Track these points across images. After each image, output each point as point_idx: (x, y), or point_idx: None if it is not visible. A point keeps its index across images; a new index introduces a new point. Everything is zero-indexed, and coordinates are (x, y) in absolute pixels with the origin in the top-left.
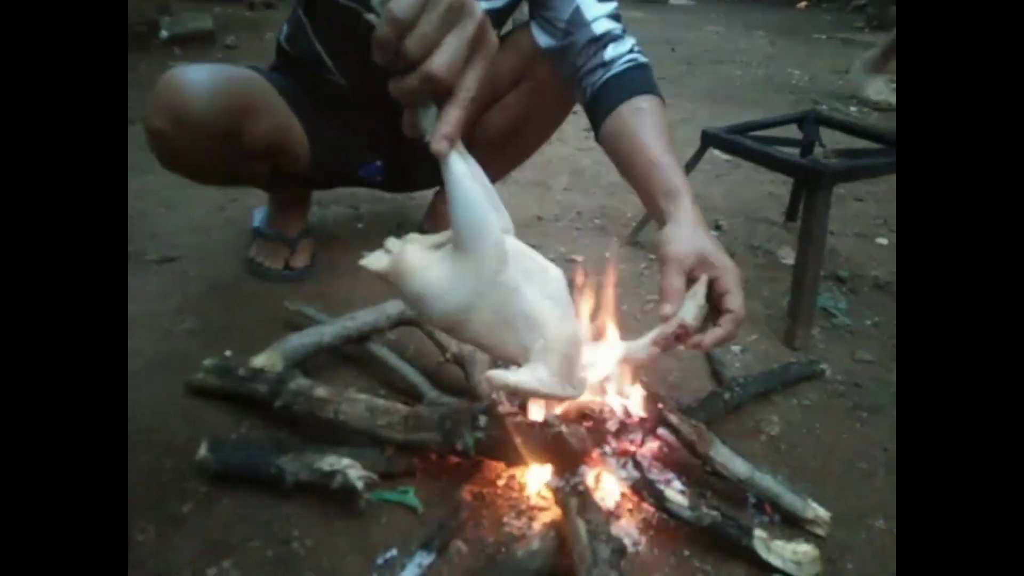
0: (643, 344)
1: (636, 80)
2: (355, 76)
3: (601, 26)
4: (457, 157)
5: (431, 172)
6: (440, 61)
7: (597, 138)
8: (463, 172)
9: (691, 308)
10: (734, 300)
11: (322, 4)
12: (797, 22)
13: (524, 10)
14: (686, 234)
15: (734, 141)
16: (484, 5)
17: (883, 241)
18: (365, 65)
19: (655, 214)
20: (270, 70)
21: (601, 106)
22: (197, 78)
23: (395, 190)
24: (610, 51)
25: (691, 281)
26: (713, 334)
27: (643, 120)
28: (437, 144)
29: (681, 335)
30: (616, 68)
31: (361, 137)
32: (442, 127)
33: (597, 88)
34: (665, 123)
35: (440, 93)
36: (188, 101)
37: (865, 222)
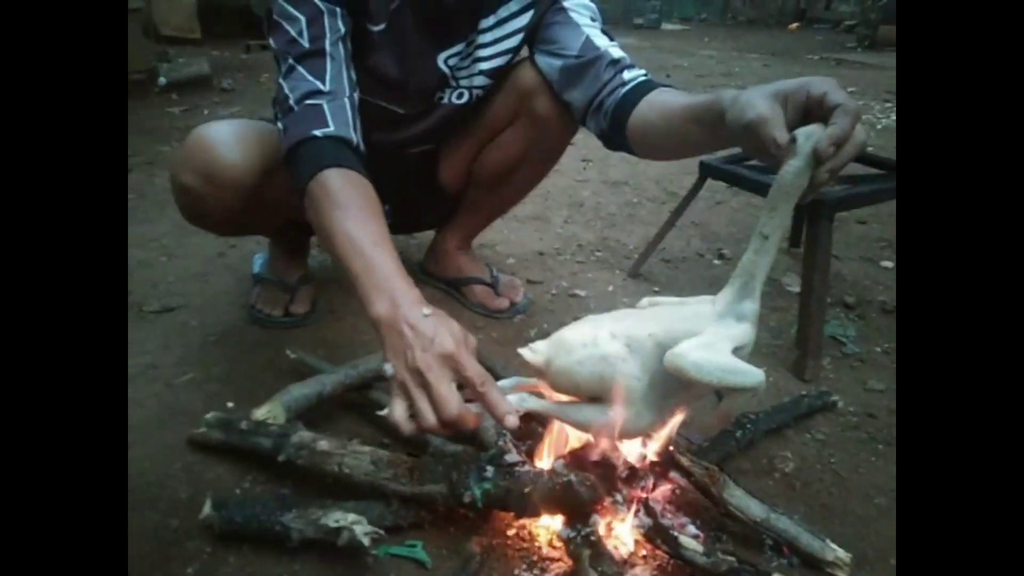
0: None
1: (652, 84)
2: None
3: (616, 52)
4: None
5: (435, 215)
6: (448, 417)
7: (628, 145)
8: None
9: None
10: (835, 96)
11: None
12: (789, 43)
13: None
14: (748, 98)
15: (732, 172)
16: (491, 63)
17: (888, 264)
18: (370, 122)
19: (720, 132)
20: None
21: (623, 112)
22: (227, 136)
23: (400, 232)
24: (628, 74)
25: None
26: (831, 132)
27: (667, 94)
28: (506, 424)
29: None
30: (632, 84)
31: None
32: (500, 415)
33: (617, 102)
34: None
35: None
36: (219, 159)
37: (869, 245)
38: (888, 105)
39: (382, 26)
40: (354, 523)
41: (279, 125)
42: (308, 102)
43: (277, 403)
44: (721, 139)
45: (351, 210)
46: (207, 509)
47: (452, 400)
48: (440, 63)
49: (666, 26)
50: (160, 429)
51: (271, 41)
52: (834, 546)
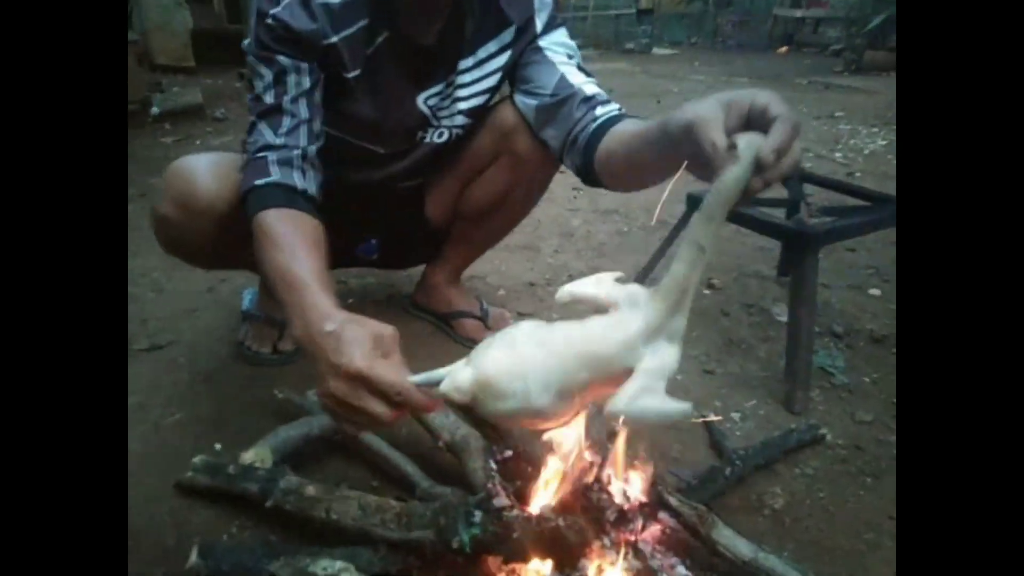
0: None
1: (619, 118)
2: (347, 170)
3: (590, 89)
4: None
5: (424, 250)
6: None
7: (598, 178)
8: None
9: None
10: (777, 108)
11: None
12: (778, 68)
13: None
14: (705, 100)
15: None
16: (470, 103)
17: (876, 292)
18: (353, 161)
19: (673, 148)
20: None
21: (590, 147)
22: (202, 167)
23: (389, 267)
24: (600, 110)
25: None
26: (772, 141)
27: (628, 124)
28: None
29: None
30: (604, 117)
31: (356, 218)
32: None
33: (589, 135)
34: None
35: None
36: (194, 188)
37: (857, 273)
38: (875, 130)
39: (357, 72)
40: (342, 570)
41: (239, 175)
42: (258, 155)
43: (265, 446)
44: (668, 157)
45: (282, 245)
46: (193, 557)
47: (378, 413)
48: (420, 104)
49: (657, 51)
50: (147, 472)
51: (247, 96)
52: None
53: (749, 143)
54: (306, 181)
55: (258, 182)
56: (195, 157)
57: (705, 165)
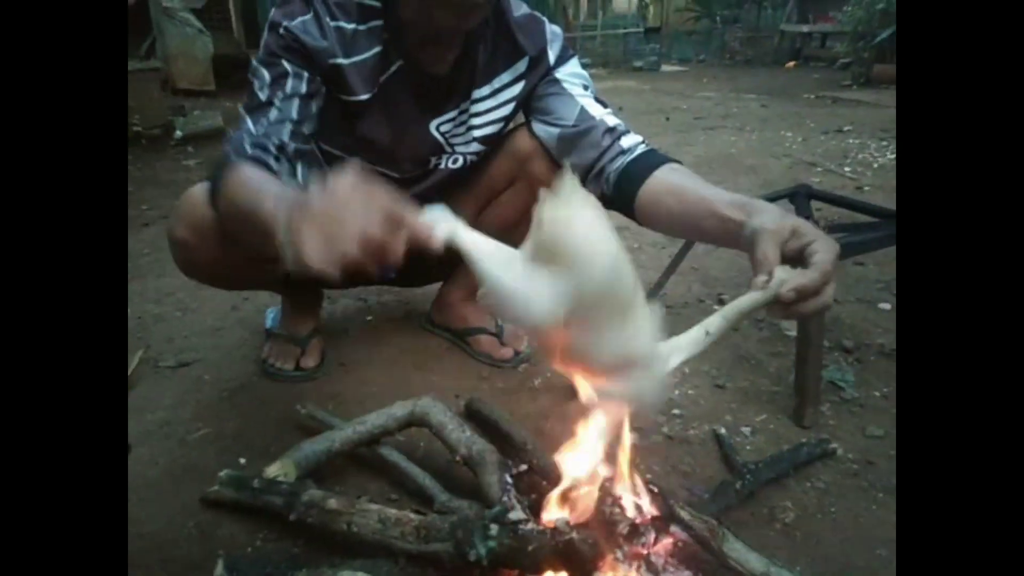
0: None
1: (658, 156)
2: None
3: (611, 120)
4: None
5: (441, 267)
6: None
7: (632, 214)
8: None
9: (781, 274)
10: (821, 256)
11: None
12: (786, 83)
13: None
14: (775, 213)
15: None
16: (484, 131)
17: (886, 306)
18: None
19: (732, 237)
20: None
21: (632, 182)
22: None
23: (407, 285)
24: (626, 141)
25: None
26: (798, 283)
27: (681, 176)
28: (434, 245)
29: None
30: (636, 152)
31: None
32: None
33: (621, 170)
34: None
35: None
36: (206, 213)
37: (866, 287)
38: (884, 143)
39: (368, 96)
40: None
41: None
42: (238, 135)
43: (288, 460)
44: (735, 240)
45: (252, 181)
46: (219, 570)
47: (371, 223)
48: (433, 130)
49: (665, 68)
50: (174, 487)
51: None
52: None
53: (779, 279)
54: (279, 166)
55: (233, 157)
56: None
57: None
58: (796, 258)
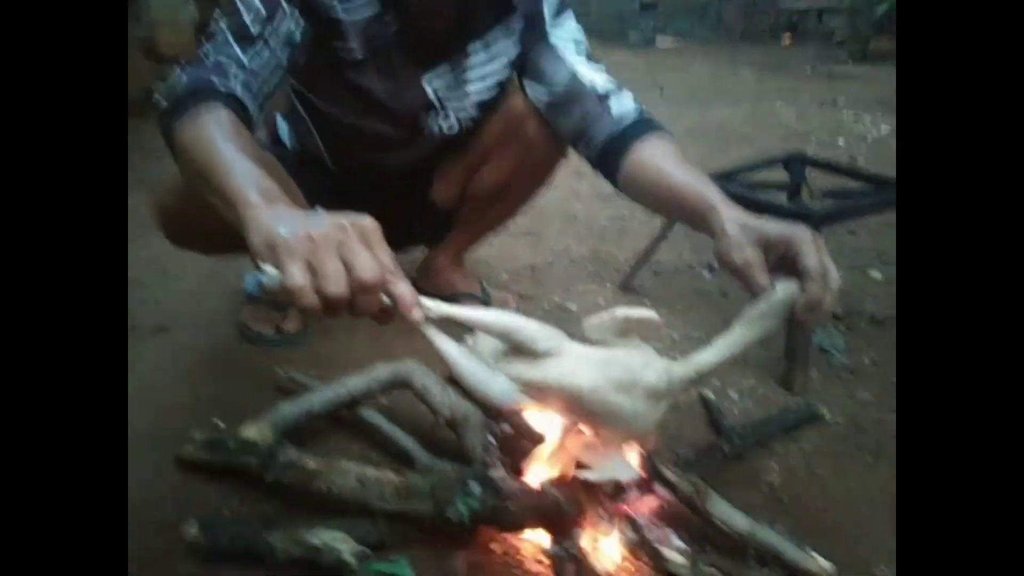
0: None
1: (644, 126)
2: (355, 156)
3: (602, 84)
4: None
5: (428, 232)
6: (360, 285)
7: (616, 185)
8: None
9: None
10: (807, 259)
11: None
12: (782, 58)
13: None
14: (737, 239)
15: (720, 188)
16: (481, 95)
17: (877, 275)
18: (360, 145)
19: (703, 230)
20: None
21: (615, 154)
22: None
23: (392, 248)
24: (615, 106)
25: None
26: (802, 301)
27: (662, 152)
28: (412, 317)
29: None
30: (623, 123)
31: (363, 203)
32: (404, 306)
33: (607, 140)
34: (681, 152)
35: (379, 294)
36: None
37: (858, 255)
38: (879, 116)
39: (363, 50)
40: (339, 542)
41: (181, 76)
42: (221, 59)
43: (266, 422)
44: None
45: (219, 139)
46: (193, 530)
47: (363, 264)
48: (425, 85)
49: (660, 42)
50: (148, 450)
51: (216, 15)
52: (818, 557)
53: (786, 292)
54: (258, 116)
55: (216, 83)
56: None
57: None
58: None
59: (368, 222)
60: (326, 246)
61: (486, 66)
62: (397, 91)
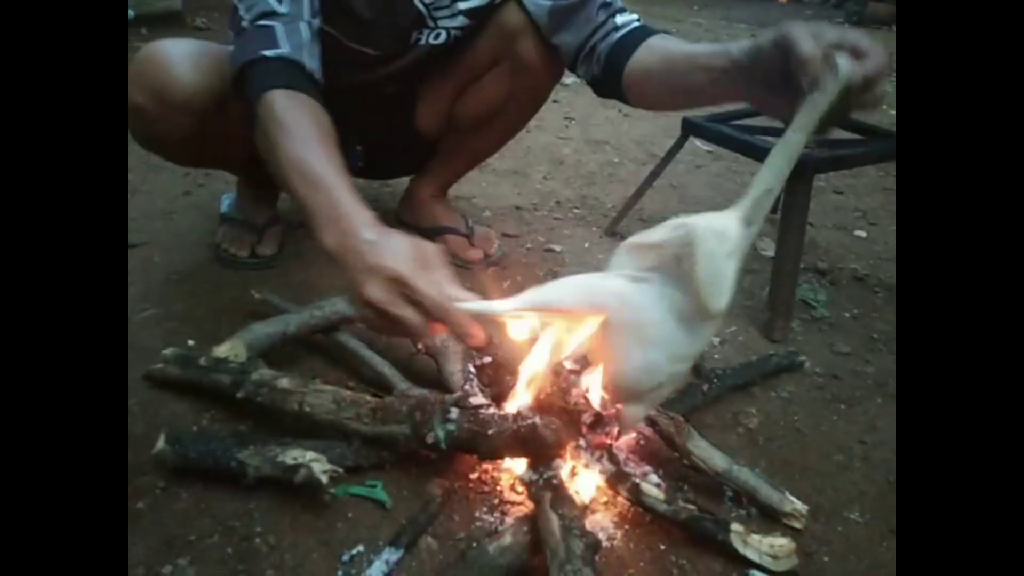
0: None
1: (649, 30)
2: (336, 73)
3: None
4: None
5: (411, 161)
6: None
7: (622, 92)
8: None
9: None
10: (865, 43)
11: None
12: (779, 16)
13: None
14: (797, 33)
15: (715, 129)
16: (471, 2)
17: (862, 234)
18: (341, 64)
19: (725, 78)
20: None
21: (620, 57)
22: (181, 54)
23: (373, 177)
24: (620, 17)
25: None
26: (862, 68)
27: (668, 41)
28: (476, 341)
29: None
30: (628, 28)
31: (343, 125)
32: (463, 335)
33: (611, 47)
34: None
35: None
36: (173, 78)
37: (844, 214)
38: None
39: None
40: (312, 461)
41: (231, 46)
42: (261, 23)
43: (239, 341)
44: (726, 87)
45: (298, 134)
46: (160, 444)
47: (414, 324)
48: (415, 0)
49: None
50: None
51: None
52: (792, 498)
53: (846, 62)
54: (315, 62)
55: (266, 53)
56: (172, 42)
57: (769, 97)
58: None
59: (431, 250)
60: (378, 312)
61: None
62: (385, 6)
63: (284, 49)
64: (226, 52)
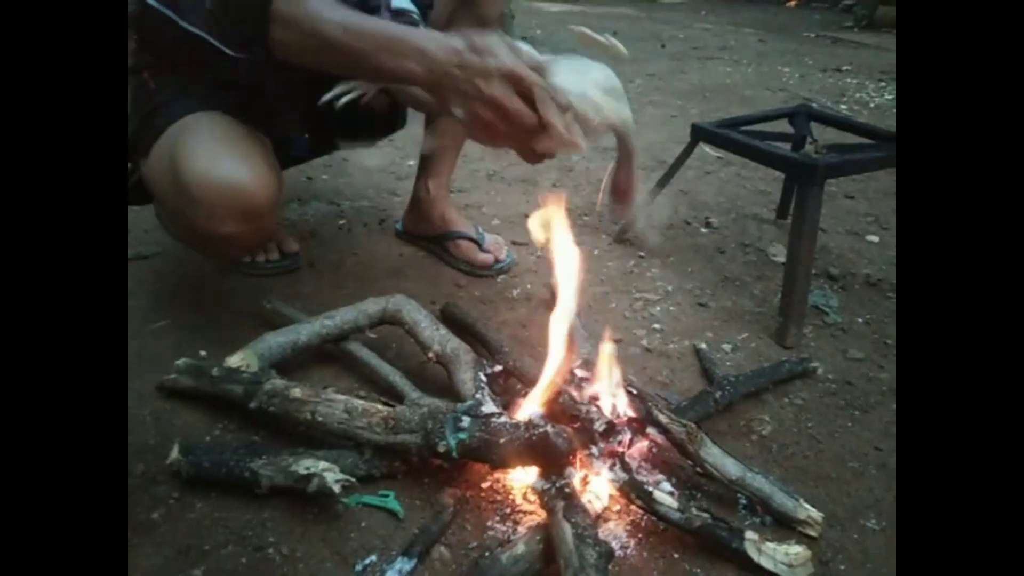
0: None
1: None
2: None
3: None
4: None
5: (352, 130)
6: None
7: None
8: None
9: None
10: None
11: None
12: (787, 21)
13: None
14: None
15: (724, 135)
16: None
17: (874, 239)
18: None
19: None
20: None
21: None
22: (234, 163)
23: (321, 154)
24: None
25: None
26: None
27: None
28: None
29: None
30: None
31: (282, 116)
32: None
33: None
34: None
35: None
36: (259, 202)
37: (856, 219)
38: (883, 84)
39: None
40: (325, 471)
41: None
42: None
43: (251, 351)
44: None
45: (367, 19)
46: (174, 454)
47: (526, 114)
48: None
49: None
50: (129, 375)
51: None
52: (807, 505)
53: None
54: None
55: None
56: (211, 158)
57: None
58: None
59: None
60: (496, 110)
61: None
62: None
63: None
64: (239, 126)
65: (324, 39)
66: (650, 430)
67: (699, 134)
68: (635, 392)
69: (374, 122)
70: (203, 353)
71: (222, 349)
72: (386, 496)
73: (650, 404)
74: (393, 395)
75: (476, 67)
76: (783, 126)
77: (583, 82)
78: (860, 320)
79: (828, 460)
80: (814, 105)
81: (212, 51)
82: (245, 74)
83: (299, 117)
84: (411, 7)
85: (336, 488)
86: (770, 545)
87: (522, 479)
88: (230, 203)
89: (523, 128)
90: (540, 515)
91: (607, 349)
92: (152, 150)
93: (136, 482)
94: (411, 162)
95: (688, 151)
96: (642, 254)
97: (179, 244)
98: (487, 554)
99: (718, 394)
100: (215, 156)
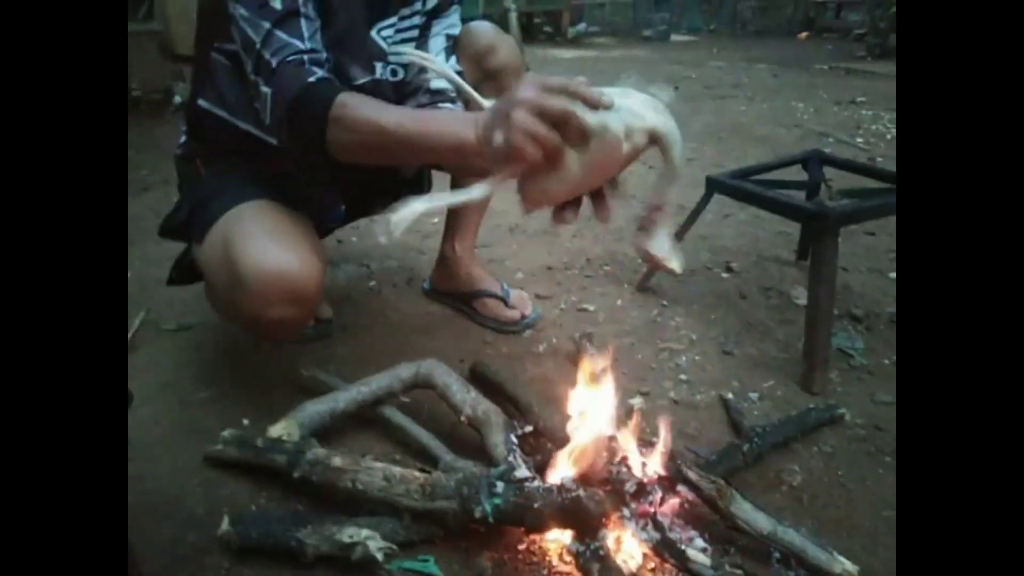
0: None
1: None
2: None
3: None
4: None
5: (385, 198)
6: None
7: None
8: None
9: None
10: None
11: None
12: (799, 54)
13: None
14: None
15: (738, 187)
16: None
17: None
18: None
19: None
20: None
21: None
22: (283, 252)
23: (355, 219)
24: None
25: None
26: None
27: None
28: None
29: None
30: None
31: (320, 189)
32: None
33: None
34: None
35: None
36: (299, 280)
37: (877, 256)
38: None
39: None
40: (367, 538)
41: (264, 90)
42: (291, 59)
43: (292, 420)
44: None
45: (385, 106)
46: (225, 525)
47: (556, 142)
48: (375, 35)
49: (675, 37)
50: (177, 446)
51: (239, 9)
52: (842, 558)
53: None
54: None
55: (310, 79)
56: (263, 249)
57: None
58: None
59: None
60: (536, 126)
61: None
62: (351, 41)
63: (320, 74)
64: (298, 226)
65: (380, 140)
66: (680, 488)
67: (714, 186)
68: (664, 450)
69: (403, 187)
70: (245, 422)
71: (264, 417)
72: (426, 561)
73: (679, 462)
74: (428, 458)
75: (499, 110)
76: (797, 171)
77: (626, 94)
78: (886, 361)
79: (861, 510)
80: (827, 147)
81: (261, 144)
82: (292, 162)
83: (338, 192)
84: (447, 85)
85: (379, 555)
86: None
87: (557, 540)
88: (281, 290)
89: (546, 149)
90: None
91: (636, 405)
92: (206, 238)
93: (188, 552)
94: (435, 220)
95: (704, 202)
96: (665, 303)
97: (214, 314)
98: None
99: (746, 447)
100: (267, 247)
